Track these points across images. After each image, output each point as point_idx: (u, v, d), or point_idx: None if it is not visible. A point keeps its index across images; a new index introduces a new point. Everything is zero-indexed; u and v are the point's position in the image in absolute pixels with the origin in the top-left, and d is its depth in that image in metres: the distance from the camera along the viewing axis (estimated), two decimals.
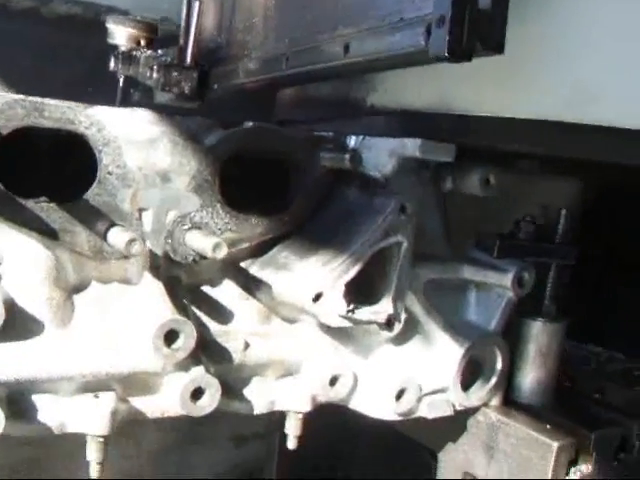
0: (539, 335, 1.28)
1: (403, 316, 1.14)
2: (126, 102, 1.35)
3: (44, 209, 0.97)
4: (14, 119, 0.94)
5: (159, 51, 1.32)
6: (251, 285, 1.15)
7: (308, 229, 1.17)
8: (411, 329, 1.19)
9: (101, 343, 0.99)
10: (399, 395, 1.15)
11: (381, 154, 1.16)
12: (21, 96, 0.95)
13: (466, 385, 1.23)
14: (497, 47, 0.83)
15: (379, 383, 1.15)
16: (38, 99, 0.95)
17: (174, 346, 0.97)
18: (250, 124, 1.11)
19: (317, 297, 1.05)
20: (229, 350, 1.07)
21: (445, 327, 1.20)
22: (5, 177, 0.94)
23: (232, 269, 1.14)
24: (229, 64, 1.23)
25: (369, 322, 1.11)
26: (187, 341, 0.98)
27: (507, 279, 1.21)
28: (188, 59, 1.29)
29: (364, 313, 1.09)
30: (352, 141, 1.18)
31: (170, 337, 0.97)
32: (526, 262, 1.22)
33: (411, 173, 1.17)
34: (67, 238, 1.00)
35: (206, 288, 1.13)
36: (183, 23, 1.31)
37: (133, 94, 1.37)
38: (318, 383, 1.13)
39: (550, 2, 1.06)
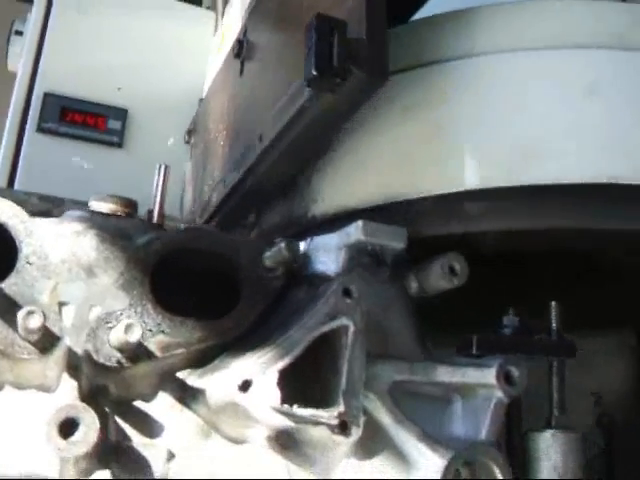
0: (549, 449, 1.06)
1: (362, 419, 0.99)
2: None
3: None
4: None
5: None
6: (188, 397, 1.05)
7: (255, 334, 1.09)
8: (378, 441, 1.02)
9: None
10: None
11: (330, 250, 1.12)
12: None
13: None
14: (377, 71, 0.84)
15: None
16: None
17: (72, 439, 0.87)
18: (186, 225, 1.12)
19: (245, 386, 0.94)
20: (148, 460, 0.94)
21: (421, 437, 1.02)
22: None
23: (168, 381, 1.06)
24: None
25: (316, 422, 0.96)
26: (88, 433, 0.88)
27: (490, 375, 1.05)
28: (155, 219, 1.36)
29: (308, 410, 0.96)
30: (302, 245, 1.16)
31: (67, 428, 0.88)
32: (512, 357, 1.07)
33: (366, 271, 1.11)
34: None
35: (138, 403, 1.04)
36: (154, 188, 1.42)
37: None
38: None
39: (477, 78, 1.10)
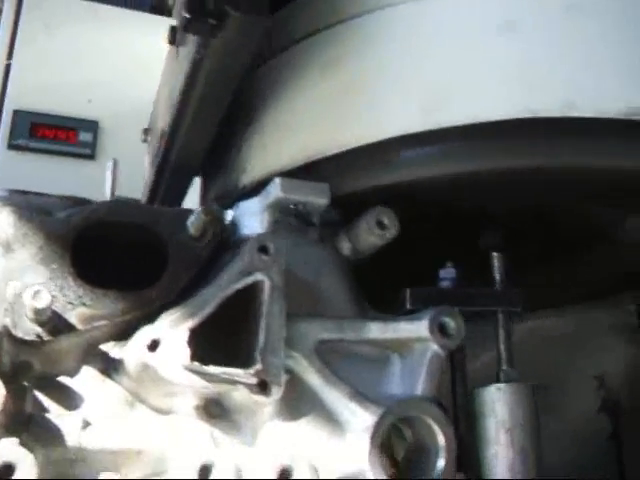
0: (495, 404, 1.01)
1: (284, 378, 0.95)
2: None
3: None
4: None
5: None
6: (110, 368, 1.02)
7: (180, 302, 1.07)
8: (306, 402, 0.98)
9: None
10: (282, 478, 0.90)
11: (254, 214, 1.10)
12: None
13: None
14: (255, 11, 0.82)
15: (262, 468, 0.92)
16: None
17: None
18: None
19: (153, 345, 0.92)
20: (60, 429, 0.92)
21: (352, 396, 0.98)
22: None
23: (92, 354, 1.04)
24: None
25: (232, 381, 0.93)
26: None
27: (423, 327, 1.00)
28: None
29: (222, 368, 0.92)
30: (229, 212, 1.14)
31: None
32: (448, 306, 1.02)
33: (293, 233, 1.09)
34: None
35: (61, 377, 1.03)
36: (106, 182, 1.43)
37: None
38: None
39: (383, 21, 1.08)
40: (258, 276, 0.98)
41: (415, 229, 1.12)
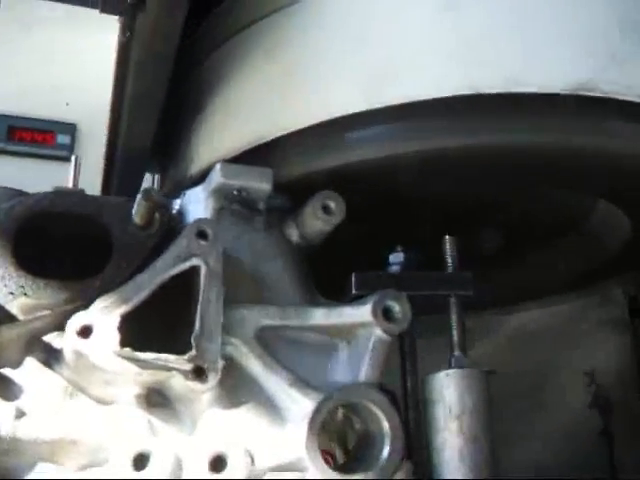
0: (443, 390, 0.98)
1: (220, 364, 0.94)
2: None
3: None
4: None
5: None
6: (52, 359, 1.01)
7: None
8: (246, 389, 0.96)
9: None
10: (216, 465, 0.88)
11: (199, 201, 1.09)
12: None
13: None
14: None
15: (197, 456, 0.91)
16: None
17: None
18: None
19: (85, 332, 0.91)
20: None
21: (292, 382, 0.96)
22: None
23: (35, 345, 1.03)
24: None
25: (166, 367, 0.92)
26: None
27: (366, 312, 0.98)
28: None
29: (153, 354, 0.91)
30: (176, 201, 1.13)
31: None
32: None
33: (238, 220, 1.08)
34: None
35: (6, 370, 1.02)
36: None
37: None
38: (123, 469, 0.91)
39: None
40: (194, 261, 0.97)
41: (366, 214, 1.10)
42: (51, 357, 1.02)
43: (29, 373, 1.01)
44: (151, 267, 0.97)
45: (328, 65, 1.04)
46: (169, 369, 0.93)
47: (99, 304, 0.94)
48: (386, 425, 0.95)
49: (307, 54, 1.05)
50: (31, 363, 1.02)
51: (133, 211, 1.09)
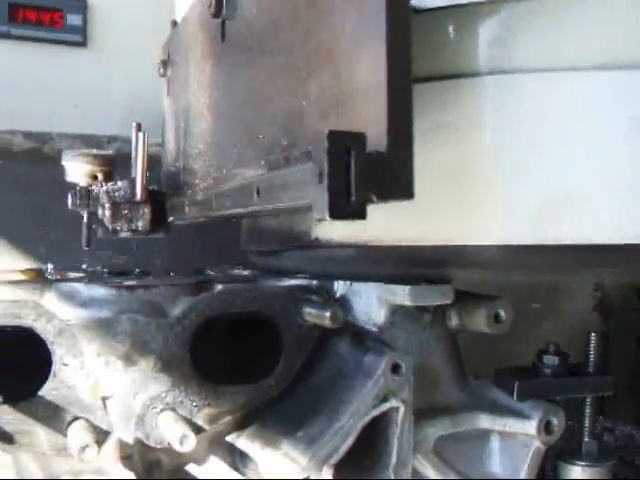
0: None
1: None
2: (90, 240, 1.39)
3: None
4: None
5: (118, 183, 1.35)
6: (238, 461, 1.14)
7: (297, 393, 1.16)
8: None
9: None
10: None
11: (372, 301, 1.14)
12: None
13: None
14: (404, 192, 0.74)
15: None
16: None
17: None
18: (220, 287, 1.11)
19: None
20: None
21: None
22: None
23: (218, 445, 1.14)
24: (181, 195, 1.27)
25: None
26: None
27: (531, 426, 1.16)
28: (138, 194, 1.32)
29: None
30: (339, 288, 1.18)
31: None
32: (553, 404, 1.17)
33: (408, 319, 1.15)
34: (25, 440, 1.02)
35: (191, 467, 1.14)
36: (133, 155, 1.34)
37: (96, 229, 1.39)
38: None
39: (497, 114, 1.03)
40: (393, 402, 1.07)
41: None
42: (236, 460, 1.14)
43: (218, 475, 1.13)
44: (351, 410, 1.06)
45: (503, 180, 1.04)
46: None
47: (314, 454, 1.04)
48: None
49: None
50: (218, 465, 1.14)
51: (306, 311, 1.13)
